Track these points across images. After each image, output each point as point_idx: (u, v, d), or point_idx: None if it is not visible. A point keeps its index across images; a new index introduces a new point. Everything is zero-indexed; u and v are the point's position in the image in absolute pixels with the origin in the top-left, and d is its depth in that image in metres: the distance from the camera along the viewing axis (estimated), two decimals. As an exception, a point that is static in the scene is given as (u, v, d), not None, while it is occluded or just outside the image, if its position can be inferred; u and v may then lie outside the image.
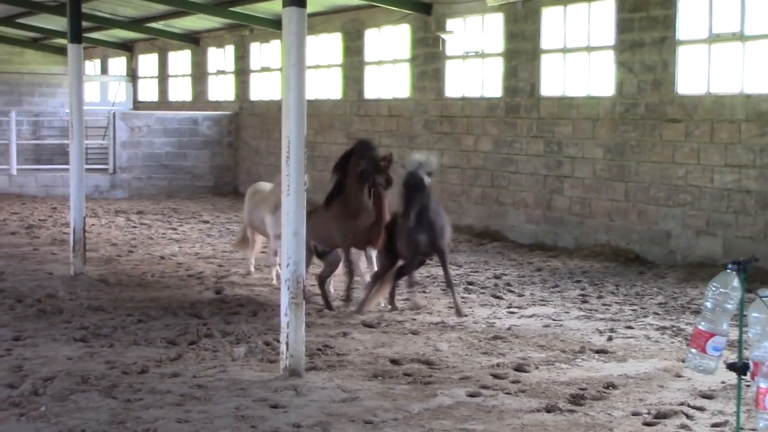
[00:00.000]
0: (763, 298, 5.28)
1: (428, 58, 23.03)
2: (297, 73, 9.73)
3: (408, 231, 12.54)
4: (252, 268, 16.02)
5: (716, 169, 16.52)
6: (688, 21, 17.13)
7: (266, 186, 16.12)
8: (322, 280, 13.44)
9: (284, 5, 9.83)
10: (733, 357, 6.84)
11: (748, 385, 9.02)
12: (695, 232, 16.81)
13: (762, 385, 5.21)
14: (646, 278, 15.88)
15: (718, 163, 16.51)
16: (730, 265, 5.40)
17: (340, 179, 13.08)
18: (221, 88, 32.89)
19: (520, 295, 14.35)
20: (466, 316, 12.70)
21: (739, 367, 5.36)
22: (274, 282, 14.52)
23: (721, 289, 5.36)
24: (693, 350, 5.43)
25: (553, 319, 12.55)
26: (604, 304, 13.61)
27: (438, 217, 12.82)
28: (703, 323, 5.41)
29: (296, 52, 9.77)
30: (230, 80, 32.21)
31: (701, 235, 16.67)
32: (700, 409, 8.82)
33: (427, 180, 12.52)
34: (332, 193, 13.18)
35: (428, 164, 12.76)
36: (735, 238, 16.29)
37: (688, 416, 8.59)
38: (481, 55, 21.64)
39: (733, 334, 7.72)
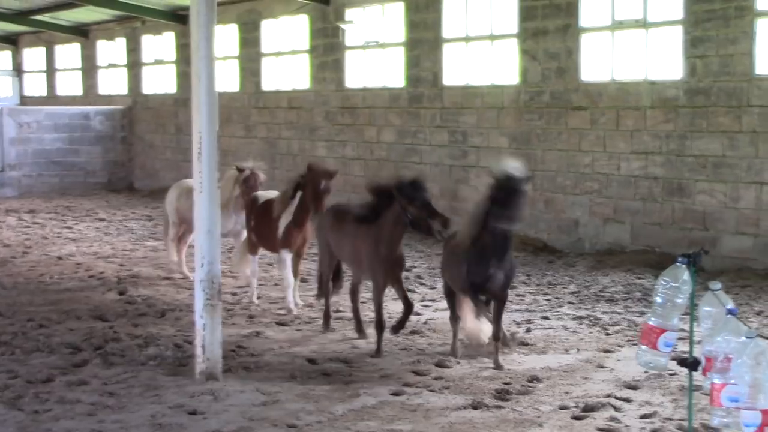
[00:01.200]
0: (714, 292, 5.14)
1: (328, 49, 22.76)
2: (207, 65, 9.38)
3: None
4: (187, 272, 14.65)
5: (622, 156, 16.57)
6: (591, 8, 17.15)
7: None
8: (353, 292, 11.45)
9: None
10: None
11: (672, 374, 9.04)
12: (603, 220, 16.86)
13: (715, 380, 5.06)
14: (556, 267, 15.87)
15: (624, 151, 16.56)
16: (680, 259, 5.24)
17: (378, 204, 10.53)
18: (113, 82, 32.19)
19: (432, 288, 14.18)
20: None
21: (691, 363, 5.21)
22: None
23: (672, 284, 5.21)
24: (643, 347, 5.27)
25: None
26: (517, 295, 13.49)
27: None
28: (653, 318, 5.25)
29: (206, 44, 9.41)
30: (122, 74, 31.53)
31: (609, 222, 16.72)
32: (627, 400, 8.74)
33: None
34: (366, 214, 10.66)
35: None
36: (643, 225, 16.36)
37: (616, 408, 8.49)
38: (383, 45, 21.45)
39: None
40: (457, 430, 7.97)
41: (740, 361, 5.02)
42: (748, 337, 5.05)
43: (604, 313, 12.40)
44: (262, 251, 13.65)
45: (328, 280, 11.60)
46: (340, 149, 22.46)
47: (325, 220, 11.52)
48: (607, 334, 11.27)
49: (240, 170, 13.73)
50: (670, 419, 8.16)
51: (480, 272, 9.78)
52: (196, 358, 9.52)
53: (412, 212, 10.11)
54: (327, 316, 11.64)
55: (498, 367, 9.82)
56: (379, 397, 8.88)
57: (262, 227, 12.90)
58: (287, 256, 12.51)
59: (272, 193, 13.22)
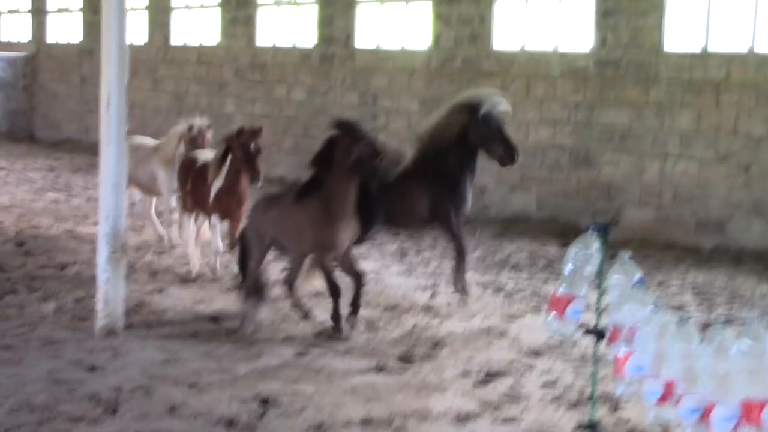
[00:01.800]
0: (625, 262, 5.17)
1: (239, 5, 22.47)
2: (118, 16, 9.19)
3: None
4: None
5: (531, 124, 16.66)
6: (506, -25, 17.18)
7: (144, 140, 14.23)
8: (290, 282, 10.10)
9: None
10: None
11: (574, 344, 9.12)
12: (510, 188, 16.95)
13: (621, 350, 5.11)
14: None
15: (533, 119, 16.65)
16: (591, 228, 5.26)
17: (318, 173, 9.62)
18: (15, 29, 31.42)
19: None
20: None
21: (597, 332, 5.24)
22: (173, 242, 13.63)
23: (584, 251, 5.22)
24: (552, 314, 5.28)
25: (375, 274, 12.32)
26: (423, 259, 13.51)
27: None
28: (562, 287, 5.27)
29: (115, -8, 9.22)
30: (25, 20, 30.79)
31: (515, 190, 16.82)
32: (529, 367, 8.82)
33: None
34: (306, 187, 9.70)
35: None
36: (548, 194, 16.50)
37: (518, 374, 8.56)
38: (295, 3, 21.23)
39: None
40: (360, 393, 7.96)
41: (645, 331, 5.06)
42: (654, 309, 5.09)
43: (509, 279, 12.48)
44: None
45: (293, 279, 10.07)
46: (249, 106, 22.24)
47: (257, 212, 10.19)
48: (511, 301, 11.34)
49: (189, 129, 12.96)
50: (571, 387, 8.25)
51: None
52: (96, 313, 9.37)
53: (358, 152, 9.09)
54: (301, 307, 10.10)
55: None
56: (282, 357, 8.84)
57: (198, 190, 12.09)
58: (217, 222, 11.92)
59: (209, 154, 12.39)
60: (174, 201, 13.55)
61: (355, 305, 9.62)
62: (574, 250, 5.24)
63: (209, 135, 13.05)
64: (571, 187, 16.21)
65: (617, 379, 5.17)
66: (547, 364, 8.91)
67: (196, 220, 12.44)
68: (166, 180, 13.24)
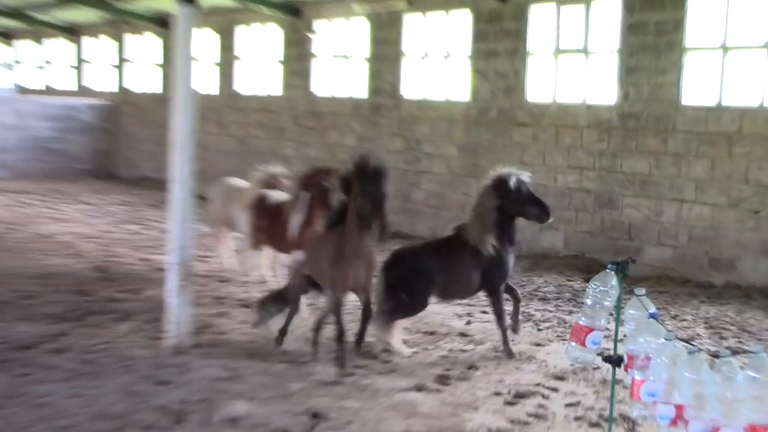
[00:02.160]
0: (639, 297, 5.18)
1: (298, 58, 22.67)
2: (186, 69, 9.31)
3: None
4: (225, 263, 14.14)
5: (560, 169, 16.65)
6: (538, 35, 17.20)
7: (235, 182, 14.14)
8: (318, 320, 9.60)
9: (178, 2, 9.37)
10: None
11: (596, 369, 9.08)
12: (540, 227, 16.87)
13: (636, 376, 5.10)
14: (495, 267, 15.86)
15: (562, 165, 16.65)
16: (609, 266, 5.27)
17: (341, 207, 9.05)
18: (101, 78, 31.85)
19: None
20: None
21: (615, 360, 5.24)
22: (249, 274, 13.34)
23: (601, 288, 5.24)
24: (573, 343, 5.29)
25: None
26: (460, 290, 13.48)
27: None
28: (583, 318, 5.28)
29: (186, 48, 9.36)
30: (110, 71, 31.21)
31: (545, 229, 16.75)
32: (554, 389, 8.78)
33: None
34: (331, 218, 9.30)
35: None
36: (575, 232, 16.46)
37: (544, 396, 8.54)
38: (347, 57, 21.39)
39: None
40: (401, 409, 7.97)
41: (659, 360, 5.06)
42: (666, 340, 5.09)
43: (536, 310, 12.45)
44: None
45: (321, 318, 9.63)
46: (305, 150, 22.38)
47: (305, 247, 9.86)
48: (539, 330, 11.31)
49: (269, 175, 12.81)
50: (592, 408, 8.22)
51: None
52: (167, 334, 9.47)
53: (360, 204, 8.46)
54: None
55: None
56: (331, 376, 8.86)
57: (273, 228, 11.93)
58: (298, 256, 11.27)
59: (280, 195, 12.32)
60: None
61: (359, 337, 9.19)
62: (593, 285, 5.26)
63: (285, 183, 12.83)
64: (595, 227, 16.17)
65: (633, 402, 5.17)
66: (570, 387, 8.87)
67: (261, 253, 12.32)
68: (246, 221, 13.00)
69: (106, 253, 15.38)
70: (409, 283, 9.69)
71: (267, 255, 12.78)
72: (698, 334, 11.28)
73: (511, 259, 10.16)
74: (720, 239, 14.57)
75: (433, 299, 10.01)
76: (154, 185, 25.43)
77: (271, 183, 12.84)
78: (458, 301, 12.53)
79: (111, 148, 30.59)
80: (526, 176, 10.12)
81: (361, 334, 9.23)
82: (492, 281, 10.01)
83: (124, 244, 16.55)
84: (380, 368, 9.20)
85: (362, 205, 8.37)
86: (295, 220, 11.56)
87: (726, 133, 14.45)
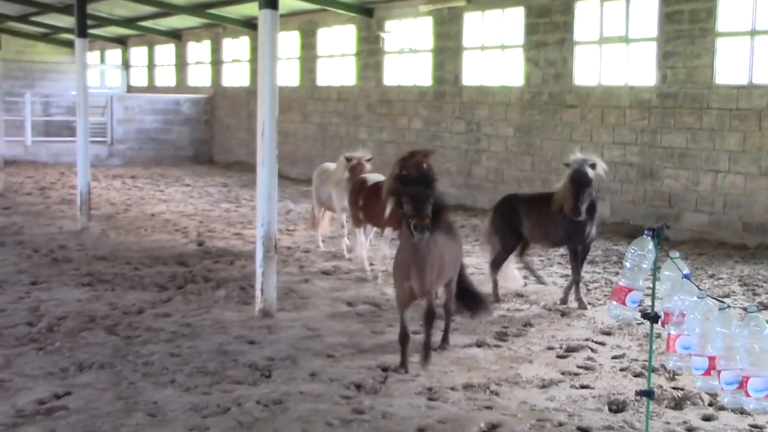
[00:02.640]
0: (674, 260, 5.02)
1: (370, 53, 22.57)
2: (270, 63, 9.28)
3: (577, 223, 9.97)
4: (321, 243, 13.87)
5: (605, 145, 16.35)
6: (584, 25, 16.88)
7: (331, 166, 13.72)
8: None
9: (260, 7, 9.34)
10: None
11: (639, 324, 8.89)
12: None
13: (672, 331, 4.96)
14: (548, 234, 15.66)
15: (607, 141, 16.35)
16: (646, 231, 5.12)
17: None
18: (199, 76, 32.09)
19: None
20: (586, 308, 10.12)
21: (652, 317, 5.09)
22: (345, 253, 13.04)
23: (639, 252, 5.08)
24: (614, 302, 5.15)
25: (477, 269, 12.22)
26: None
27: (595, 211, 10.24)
28: (623, 280, 5.13)
29: (269, 47, 9.33)
30: (207, 69, 31.43)
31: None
32: (602, 344, 8.64)
33: (592, 173, 9.93)
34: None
35: (591, 160, 10.06)
36: (620, 202, 16.18)
37: (592, 350, 8.41)
38: (414, 51, 21.24)
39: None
40: (463, 364, 7.90)
41: (692, 316, 4.91)
42: (699, 297, 4.93)
43: (586, 272, 12.24)
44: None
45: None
46: (378, 134, 22.31)
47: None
48: (588, 290, 11.14)
49: (348, 159, 12.43)
50: (636, 360, 8.06)
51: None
52: (255, 299, 9.50)
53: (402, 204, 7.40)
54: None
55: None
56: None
57: (370, 207, 11.46)
58: (390, 233, 11.43)
59: (378, 177, 11.82)
60: (344, 217, 13.15)
61: (444, 338, 8.48)
62: (631, 250, 5.11)
63: (368, 165, 12.49)
64: (638, 197, 15.86)
65: (669, 355, 5.02)
66: (616, 342, 8.72)
67: (365, 232, 12.07)
68: (336, 199, 12.87)
69: (204, 229, 15.49)
70: (506, 221, 10.50)
71: (367, 232, 12.30)
72: (733, 291, 11.01)
73: (589, 227, 10.11)
74: (752, 205, 14.19)
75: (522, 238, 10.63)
76: (246, 168, 25.59)
77: (352, 166, 12.43)
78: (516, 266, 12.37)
79: (208, 136, 30.87)
80: (591, 162, 10.10)
81: (445, 335, 8.49)
82: (571, 240, 10.17)
83: (221, 220, 16.66)
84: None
85: (404, 208, 7.35)
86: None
87: (756, 108, 14.05)
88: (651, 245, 5.06)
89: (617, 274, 11.95)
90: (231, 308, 9.76)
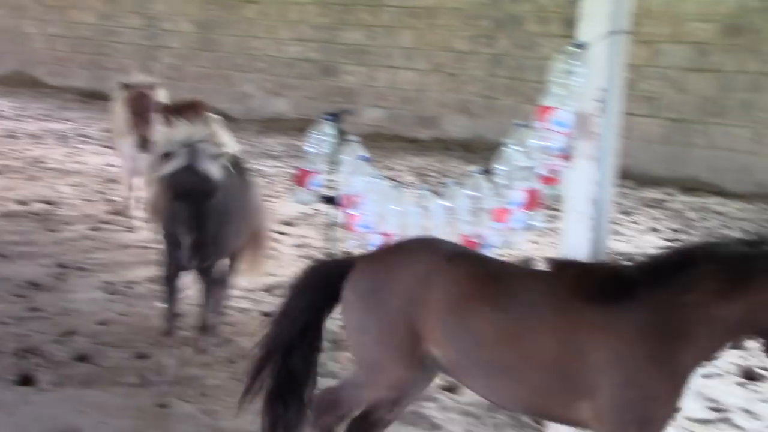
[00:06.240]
0: (352, 143, 5.26)
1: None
2: None
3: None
4: None
5: (286, 42, 16.49)
6: None
7: None
8: None
9: None
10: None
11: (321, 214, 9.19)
12: (269, 94, 16.80)
13: (351, 212, 5.19)
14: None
15: (288, 38, 16.48)
16: (325, 115, 5.28)
17: None
18: None
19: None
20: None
21: (330, 198, 5.31)
22: None
23: (318, 136, 5.24)
24: (297, 187, 5.31)
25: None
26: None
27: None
28: (304, 164, 5.28)
29: None
30: None
31: (274, 95, 16.69)
32: (285, 234, 8.83)
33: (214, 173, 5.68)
34: None
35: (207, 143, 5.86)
36: (301, 98, 16.44)
37: (275, 240, 8.51)
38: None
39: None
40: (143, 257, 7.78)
41: (370, 197, 5.16)
42: (375, 179, 5.19)
43: (268, 167, 12.43)
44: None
45: None
46: (45, 27, 20.86)
47: None
48: (270, 183, 11.30)
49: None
50: (318, 248, 8.31)
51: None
52: None
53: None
54: None
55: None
56: (79, 232, 8.51)
57: None
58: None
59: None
60: None
61: None
62: (312, 134, 5.26)
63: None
64: (319, 93, 16.18)
65: (349, 234, 5.27)
66: (299, 232, 8.97)
67: None
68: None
69: None
70: None
71: None
72: (408, 180, 11.61)
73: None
74: (425, 100, 14.97)
75: None
76: None
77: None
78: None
79: None
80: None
81: None
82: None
83: None
84: (126, 222, 8.89)
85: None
86: None
87: (429, 6, 14.71)
88: (329, 129, 5.23)
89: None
90: None
